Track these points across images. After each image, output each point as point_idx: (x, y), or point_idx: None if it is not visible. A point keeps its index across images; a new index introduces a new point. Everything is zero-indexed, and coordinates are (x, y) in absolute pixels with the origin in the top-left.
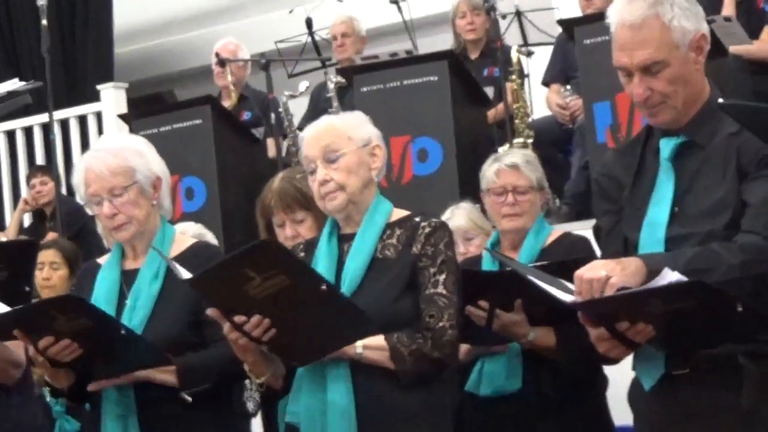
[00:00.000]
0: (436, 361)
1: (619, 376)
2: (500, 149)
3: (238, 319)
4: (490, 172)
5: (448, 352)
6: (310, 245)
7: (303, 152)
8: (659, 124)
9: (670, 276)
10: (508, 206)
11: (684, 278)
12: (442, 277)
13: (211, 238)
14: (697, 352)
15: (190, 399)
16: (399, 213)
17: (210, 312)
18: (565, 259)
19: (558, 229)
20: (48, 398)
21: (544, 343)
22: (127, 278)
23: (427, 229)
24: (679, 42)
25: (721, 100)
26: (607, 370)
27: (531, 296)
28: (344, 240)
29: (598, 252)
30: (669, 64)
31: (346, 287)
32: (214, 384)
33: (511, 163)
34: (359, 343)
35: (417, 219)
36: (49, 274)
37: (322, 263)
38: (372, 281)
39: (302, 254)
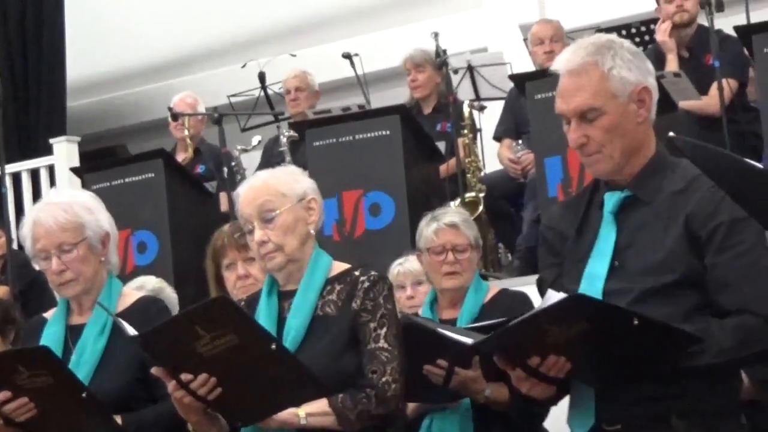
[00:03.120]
0: (381, 416)
1: None
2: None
3: (185, 377)
4: (428, 231)
5: (393, 407)
6: (252, 302)
7: (239, 211)
8: (597, 174)
9: (554, 297)
10: (449, 264)
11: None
12: (383, 331)
13: (170, 292)
14: (625, 382)
15: None
16: (339, 267)
17: (155, 371)
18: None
19: (495, 286)
20: None
21: (498, 398)
22: (73, 333)
23: (366, 284)
24: (618, 92)
25: (671, 134)
26: None
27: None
28: (284, 297)
29: (537, 305)
30: (605, 113)
31: (288, 345)
32: None
33: (450, 222)
34: (302, 412)
35: (356, 273)
36: None
37: (263, 321)
38: (314, 339)
39: None
